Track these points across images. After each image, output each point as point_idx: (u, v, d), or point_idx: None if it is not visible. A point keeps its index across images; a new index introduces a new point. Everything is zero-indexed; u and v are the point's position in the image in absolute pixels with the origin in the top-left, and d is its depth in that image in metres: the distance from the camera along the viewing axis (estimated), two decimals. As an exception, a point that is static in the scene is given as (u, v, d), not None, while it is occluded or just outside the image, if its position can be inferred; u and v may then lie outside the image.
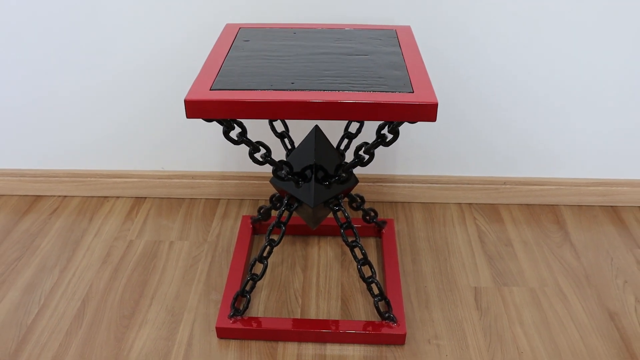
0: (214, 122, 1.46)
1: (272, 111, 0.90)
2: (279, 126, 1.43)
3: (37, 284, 1.32)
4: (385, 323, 1.19)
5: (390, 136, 0.99)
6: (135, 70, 1.43)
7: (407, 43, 1.12)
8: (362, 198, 1.36)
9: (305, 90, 0.93)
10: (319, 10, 1.34)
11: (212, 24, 1.36)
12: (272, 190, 1.60)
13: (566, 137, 1.50)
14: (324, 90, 0.93)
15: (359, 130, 1.23)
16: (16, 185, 1.61)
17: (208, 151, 1.55)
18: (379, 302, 1.25)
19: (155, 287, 1.32)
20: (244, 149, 1.55)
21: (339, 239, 1.46)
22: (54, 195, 1.62)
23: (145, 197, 1.62)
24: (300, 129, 1.50)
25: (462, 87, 1.43)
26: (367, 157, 1.04)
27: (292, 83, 0.96)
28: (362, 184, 1.57)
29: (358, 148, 1.06)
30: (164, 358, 1.15)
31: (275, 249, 1.43)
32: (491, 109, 1.46)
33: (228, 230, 1.50)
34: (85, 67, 1.43)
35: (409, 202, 1.60)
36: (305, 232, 1.47)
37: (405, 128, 1.49)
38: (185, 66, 1.42)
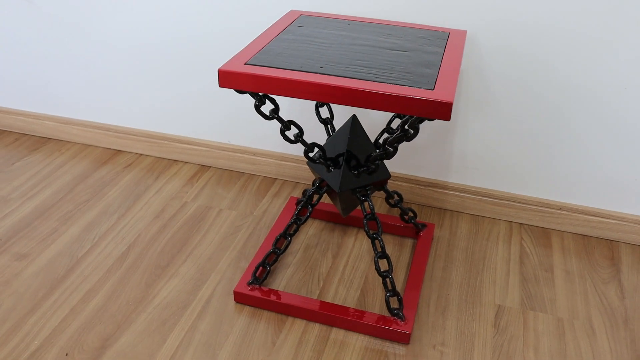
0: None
1: (289, 89, 0.95)
2: (325, 113, 1.47)
3: (96, 225, 1.48)
4: (393, 319, 1.20)
5: (411, 132, 1.00)
6: (211, 47, 1.54)
7: (454, 46, 1.12)
8: (400, 195, 1.37)
9: (329, 75, 0.97)
10: (401, 9, 1.37)
11: (289, 9, 1.44)
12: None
13: (635, 171, 1.40)
14: (345, 77, 0.96)
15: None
16: (102, 138, 1.79)
17: (272, 131, 1.63)
18: (390, 298, 1.26)
19: (194, 246, 1.42)
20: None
21: (377, 235, 1.47)
22: (132, 152, 1.79)
23: (210, 166, 1.73)
24: (345, 118, 1.53)
25: (533, 102, 1.39)
26: (391, 149, 1.06)
27: (321, 67, 1.00)
28: (412, 185, 1.57)
29: (384, 141, 1.08)
30: (181, 309, 1.24)
31: (312, 232, 1.48)
32: (558, 130, 1.41)
33: (275, 208, 1.57)
34: (169, 41, 1.57)
35: (457, 212, 1.58)
36: (345, 222, 1.50)
37: (463, 136, 1.48)
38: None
